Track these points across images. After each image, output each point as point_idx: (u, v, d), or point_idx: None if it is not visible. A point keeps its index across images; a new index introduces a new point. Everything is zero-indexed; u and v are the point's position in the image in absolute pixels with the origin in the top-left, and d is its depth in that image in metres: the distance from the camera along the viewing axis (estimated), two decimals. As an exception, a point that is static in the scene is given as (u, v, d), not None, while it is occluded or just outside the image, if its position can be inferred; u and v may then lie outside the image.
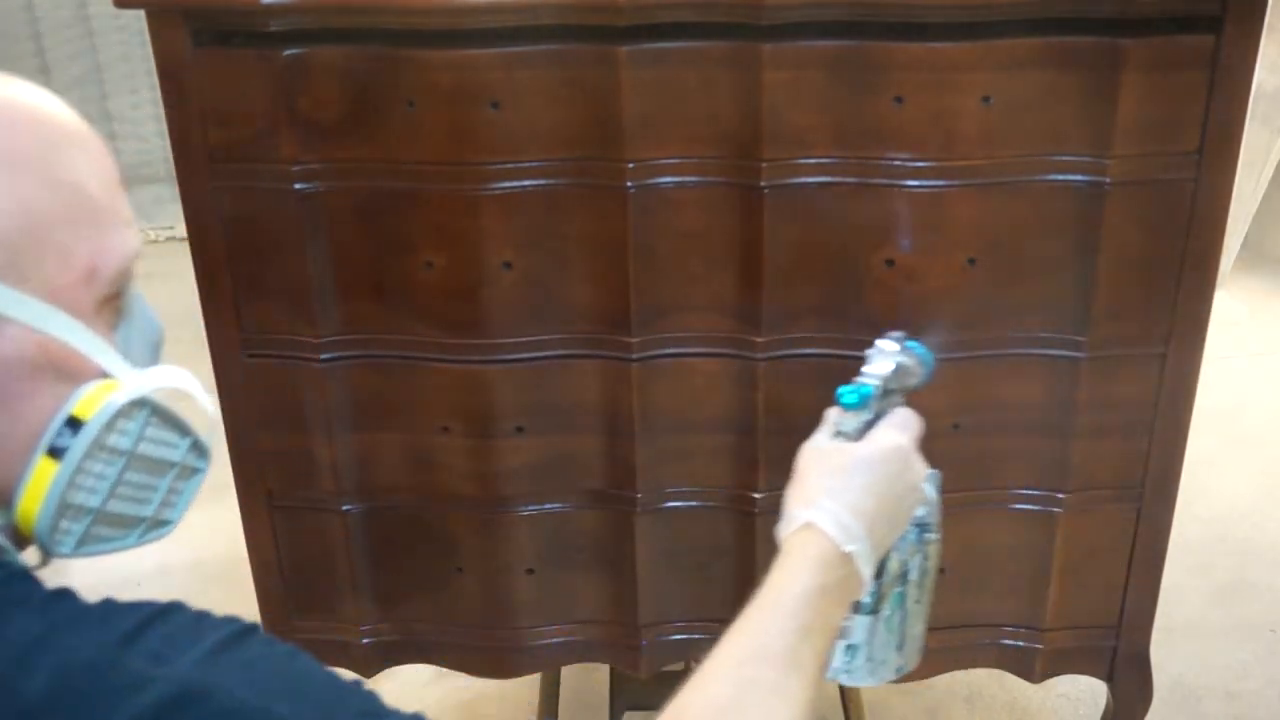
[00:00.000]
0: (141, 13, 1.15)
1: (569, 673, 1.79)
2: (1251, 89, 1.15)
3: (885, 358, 1.06)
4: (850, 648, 1.02)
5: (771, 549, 1.34)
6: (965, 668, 1.46)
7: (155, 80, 1.18)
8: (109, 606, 0.62)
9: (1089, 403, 1.27)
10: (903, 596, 1.05)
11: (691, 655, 1.50)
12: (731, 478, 1.32)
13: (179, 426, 0.73)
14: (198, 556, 2.25)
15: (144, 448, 0.70)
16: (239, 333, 1.27)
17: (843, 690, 1.78)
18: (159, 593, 2.13)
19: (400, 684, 1.92)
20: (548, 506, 1.35)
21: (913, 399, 1.27)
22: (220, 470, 1.37)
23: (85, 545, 0.69)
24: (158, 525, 0.74)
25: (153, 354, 0.76)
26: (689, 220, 1.20)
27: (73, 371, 0.66)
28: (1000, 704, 1.87)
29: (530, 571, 1.38)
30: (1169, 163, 1.17)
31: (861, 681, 1.06)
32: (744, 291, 1.23)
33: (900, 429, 0.98)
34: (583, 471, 1.33)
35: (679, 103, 1.15)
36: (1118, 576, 1.38)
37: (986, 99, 1.13)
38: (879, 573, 0.99)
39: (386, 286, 1.24)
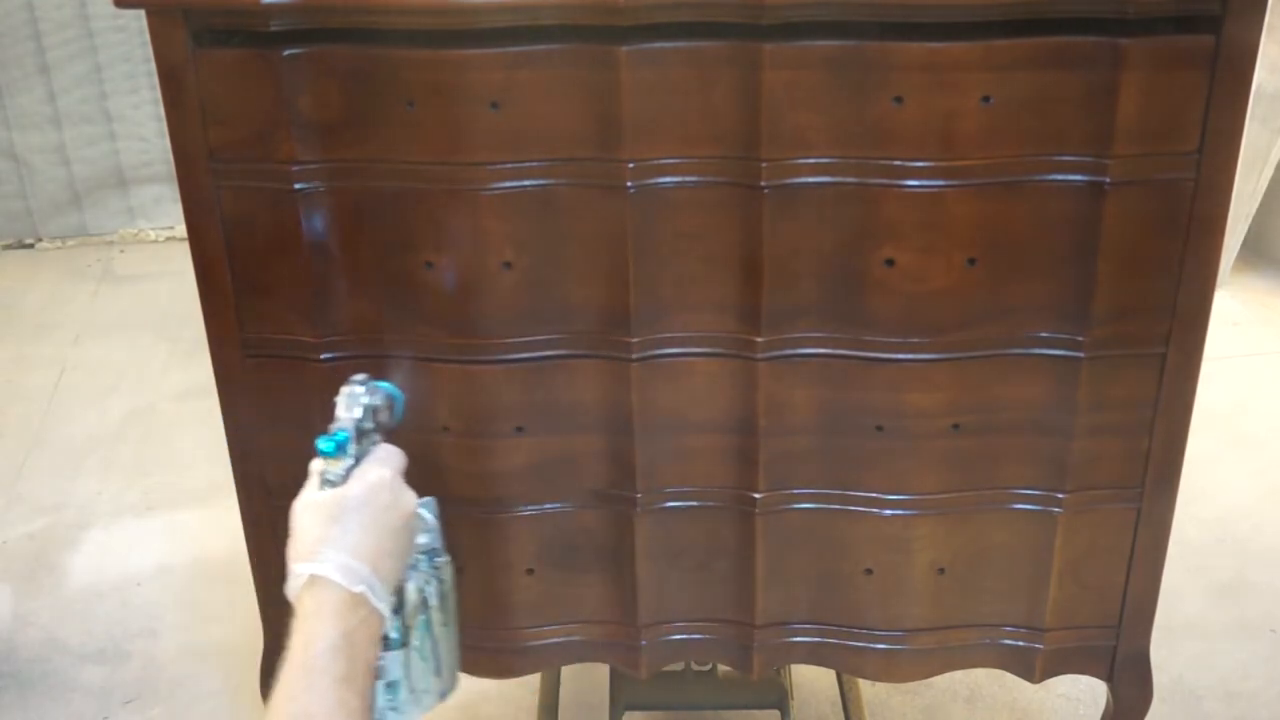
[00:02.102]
0: (141, 13, 1.15)
1: (569, 673, 1.79)
2: (1251, 89, 1.15)
3: (354, 401, 1.11)
4: (390, 685, 1.06)
5: (772, 549, 1.35)
6: (965, 668, 1.46)
7: (155, 80, 1.18)
8: None
9: (1089, 403, 1.27)
10: (428, 623, 1.09)
11: (691, 655, 1.50)
12: (731, 478, 1.32)
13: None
14: (198, 556, 2.25)
15: None
16: (239, 333, 1.27)
17: (842, 690, 1.78)
18: (159, 592, 2.15)
19: (400, 684, 1.92)
20: (548, 506, 1.35)
21: (913, 399, 1.27)
22: (220, 470, 1.38)
23: None
24: None
25: None
26: (689, 220, 1.20)
27: None
28: (1000, 704, 1.87)
29: (530, 571, 1.38)
30: (1169, 163, 1.17)
31: (410, 715, 1.09)
32: (744, 291, 1.23)
33: (382, 464, 1.03)
34: (583, 471, 1.33)
35: (679, 102, 1.15)
36: (1118, 576, 1.38)
37: (986, 99, 1.13)
38: (399, 606, 1.03)
39: (386, 286, 1.24)
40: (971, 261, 1.21)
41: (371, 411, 1.12)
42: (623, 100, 1.14)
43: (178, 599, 2.16)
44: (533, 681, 1.80)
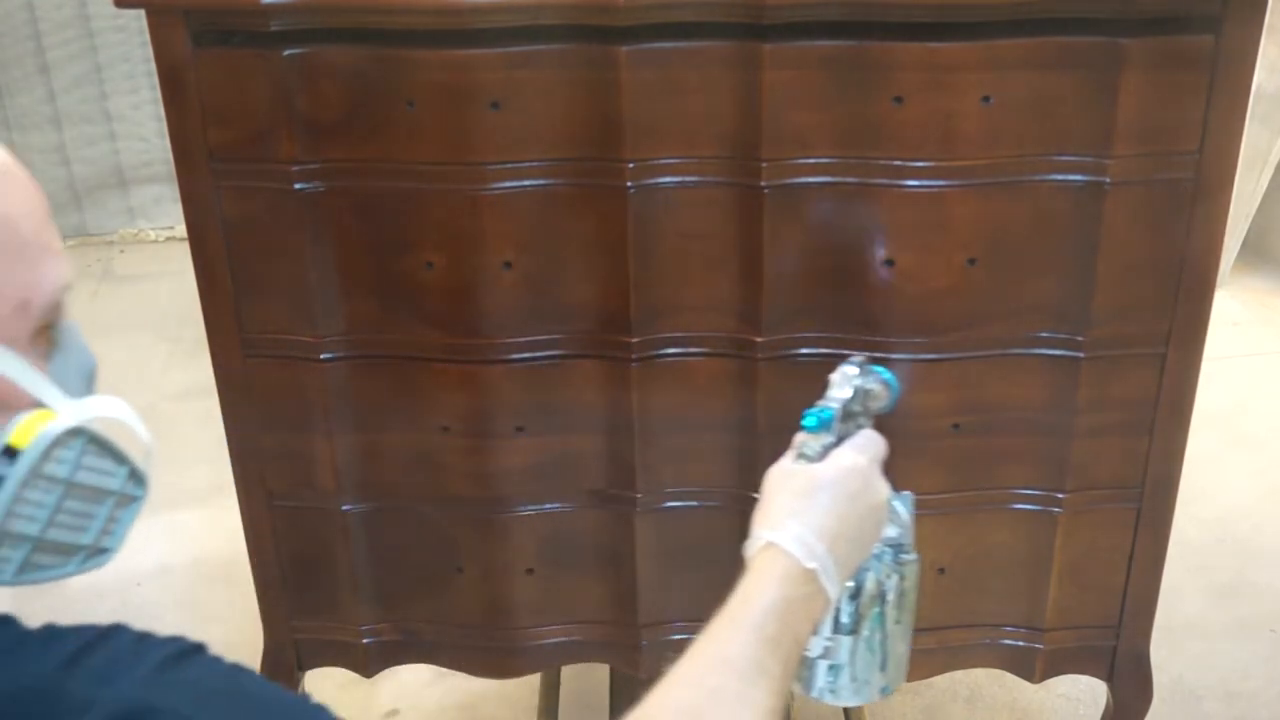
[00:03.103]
0: (141, 13, 1.15)
1: (569, 673, 1.79)
2: (1251, 89, 1.15)
3: (846, 381, 1.08)
4: (834, 667, 1.05)
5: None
6: (965, 668, 1.46)
7: (155, 80, 1.18)
8: (50, 631, 0.62)
9: (1089, 403, 1.27)
10: (882, 616, 1.07)
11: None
12: (731, 478, 1.32)
13: (115, 455, 0.73)
14: (198, 556, 2.25)
15: (81, 476, 0.70)
16: (239, 333, 1.27)
17: (843, 690, 1.77)
18: (159, 592, 2.14)
19: (400, 684, 1.92)
20: (548, 506, 1.35)
21: (913, 399, 1.27)
22: (220, 470, 1.38)
23: (25, 573, 0.69)
24: (97, 553, 0.74)
25: (87, 385, 0.76)
26: (689, 220, 1.20)
27: (6, 402, 0.67)
28: (1000, 704, 1.87)
29: (530, 571, 1.38)
30: (1169, 163, 1.17)
31: (847, 700, 1.09)
32: (744, 291, 1.23)
33: (860, 450, 1.01)
34: (583, 471, 1.33)
35: (679, 103, 1.15)
36: (1118, 576, 1.38)
37: (986, 99, 1.13)
38: (856, 593, 1.02)
39: (387, 286, 1.24)
40: (971, 261, 1.21)
41: (863, 395, 1.08)
42: (623, 100, 1.14)
43: (178, 599, 2.16)
44: (533, 681, 1.80)
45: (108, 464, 0.72)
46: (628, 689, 1.66)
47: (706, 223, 1.20)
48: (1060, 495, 1.32)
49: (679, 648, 1.48)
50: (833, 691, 1.06)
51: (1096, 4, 1.10)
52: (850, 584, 1.01)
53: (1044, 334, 1.25)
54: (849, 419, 1.05)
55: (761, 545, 0.93)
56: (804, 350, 1.26)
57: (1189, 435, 1.30)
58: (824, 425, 1.03)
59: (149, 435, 0.76)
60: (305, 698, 0.65)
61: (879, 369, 1.10)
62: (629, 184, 1.17)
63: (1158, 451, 1.30)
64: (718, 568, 1.38)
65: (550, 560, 1.38)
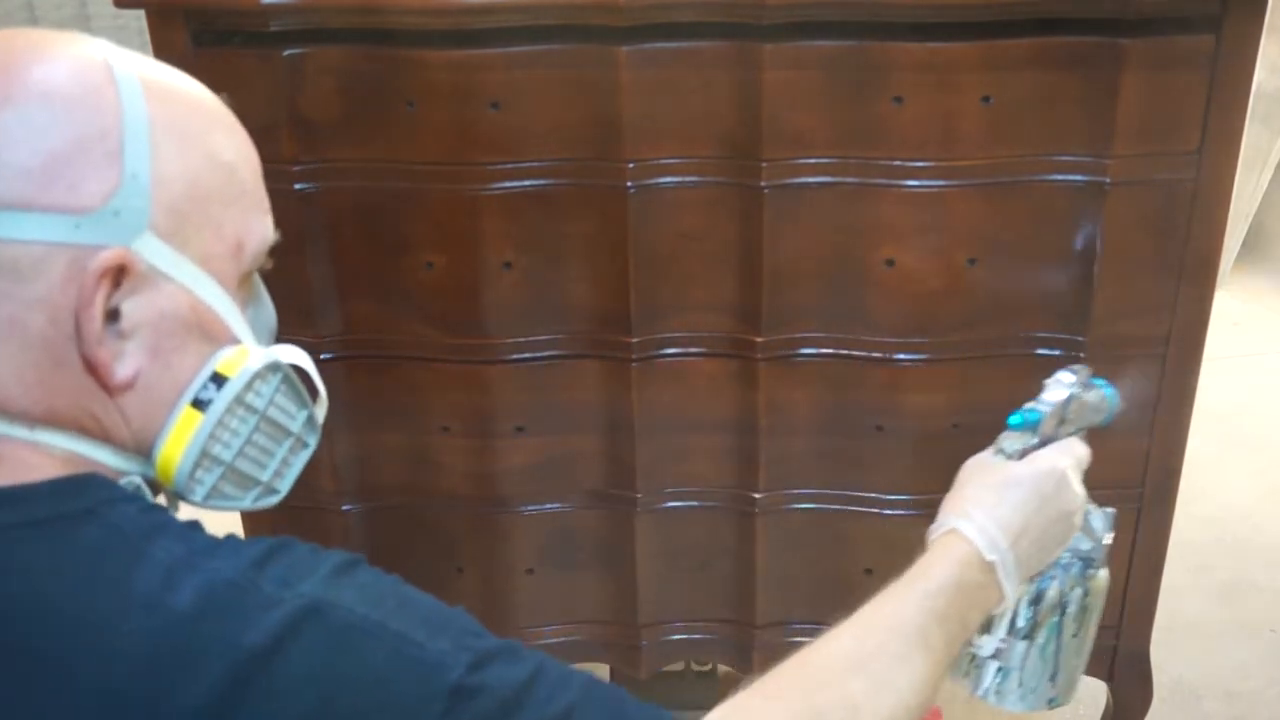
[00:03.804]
0: (141, 13, 1.15)
1: (569, 673, 1.79)
2: (1251, 89, 1.15)
3: (1061, 387, 1.07)
4: (1003, 670, 1.05)
5: (772, 549, 1.35)
6: (965, 668, 1.46)
7: (155, 80, 1.18)
8: (235, 540, 0.67)
9: (1089, 403, 1.27)
10: (1059, 627, 1.06)
11: (691, 655, 1.50)
12: (731, 478, 1.32)
13: (300, 398, 0.78)
14: (198, 556, 2.25)
15: (273, 412, 0.76)
16: (239, 333, 1.27)
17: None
18: (159, 593, 2.10)
19: (400, 684, 1.92)
20: (548, 506, 1.35)
21: (913, 399, 1.27)
22: (220, 470, 1.38)
23: (212, 498, 0.75)
24: (270, 492, 0.81)
25: (269, 337, 0.82)
26: (689, 220, 1.20)
27: (215, 335, 0.72)
28: (1000, 704, 1.87)
29: (530, 571, 1.38)
30: (1169, 163, 1.17)
31: (1012, 705, 1.08)
32: (744, 291, 1.23)
33: (1062, 453, 1.01)
34: (583, 471, 1.33)
35: (679, 103, 1.15)
36: (1118, 576, 1.38)
37: (986, 99, 1.13)
38: (1037, 599, 1.02)
39: (387, 286, 1.24)
40: (971, 261, 1.21)
41: (1077, 404, 1.06)
42: (623, 100, 1.14)
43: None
44: (533, 681, 1.80)
45: (293, 406, 0.78)
46: (628, 689, 1.66)
47: (706, 223, 1.20)
48: (1060, 495, 1.32)
49: (679, 648, 1.49)
50: (999, 693, 1.06)
51: (1096, 4, 1.10)
52: (1032, 589, 1.01)
53: (1044, 334, 1.25)
54: (1061, 425, 1.04)
55: (946, 530, 0.93)
56: (804, 350, 1.26)
57: (1189, 435, 1.30)
58: (1026, 425, 1.02)
59: (324, 388, 0.81)
60: (460, 611, 0.72)
61: (1099, 381, 1.09)
62: (629, 184, 1.17)
63: (1158, 451, 1.30)
64: (718, 568, 1.39)
65: (550, 560, 1.38)
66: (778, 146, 1.16)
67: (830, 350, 1.26)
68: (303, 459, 0.81)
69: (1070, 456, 1.01)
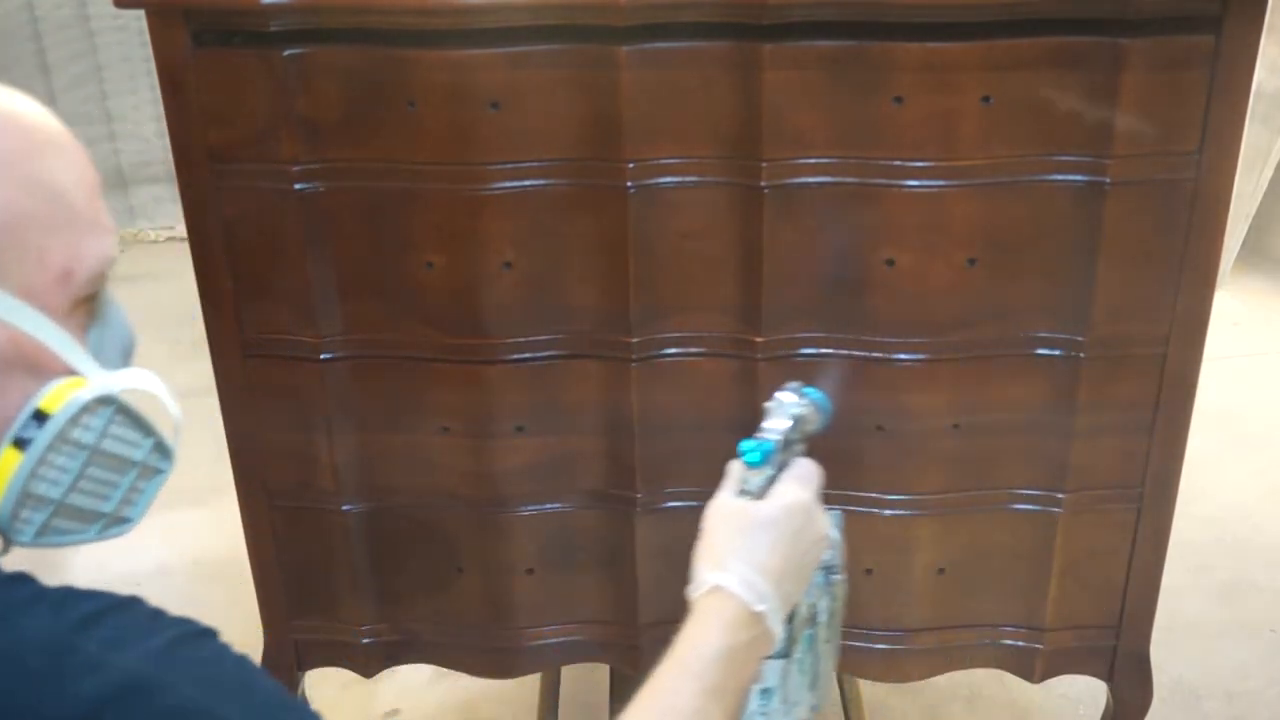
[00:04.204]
0: (141, 13, 1.15)
1: (569, 673, 1.79)
2: (1251, 89, 1.15)
3: (784, 411, 1.08)
4: (765, 691, 1.06)
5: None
6: (965, 668, 1.46)
7: (155, 80, 1.18)
8: (67, 592, 0.63)
9: (1089, 403, 1.27)
10: (813, 638, 1.08)
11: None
12: (731, 478, 1.32)
13: (143, 426, 0.75)
14: (198, 556, 2.25)
15: (107, 444, 0.72)
16: (239, 333, 1.27)
17: (843, 690, 1.78)
18: (159, 592, 2.13)
19: (400, 684, 1.92)
20: (548, 506, 1.35)
21: (913, 399, 1.27)
22: (220, 470, 1.38)
23: (44, 536, 0.71)
24: (118, 521, 0.77)
25: (124, 358, 0.78)
26: (689, 220, 1.20)
27: (42, 368, 0.69)
28: (1000, 704, 1.87)
29: (530, 571, 1.38)
30: (1169, 163, 1.17)
31: None
32: (744, 291, 1.23)
33: (802, 483, 1.01)
34: (583, 471, 1.33)
35: (679, 103, 1.15)
36: (1118, 576, 1.38)
37: (986, 99, 1.13)
38: (789, 618, 1.02)
39: (387, 286, 1.24)
40: (971, 261, 1.21)
41: (800, 422, 1.09)
42: (623, 100, 1.14)
43: (178, 599, 2.15)
44: (533, 681, 1.80)
45: (134, 435, 0.74)
46: (628, 689, 1.66)
47: (706, 223, 1.20)
48: (1060, 495, 1.32)
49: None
50: (764, 715, 1.06)
51: (1096, 4, 1.10)
52: (786, 620, 1.01)
53: (1044, 334, 1.25)
54: (787, 447, 1.06)
55: (708, 589, 0.92)
56: (804, 350, 1.26)
57: (1189, 435, 1.30)
58: (765, 458, 1.02)
59: (178, 410, 0.78)
60: (304, 703, 0.67)
61: (810, 391, 1.11)
62: (629, 184, 1.17)
63: (1158, 451, 1.30)
64: (718, 568, 1.39)
65: (550, 560, 1.38)
66: (778, 146, 1.16)
67: (830, 350, 1.26)
68: (158, 484, 0.78)
69: (811, 483, 1.01)
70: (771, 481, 1.02)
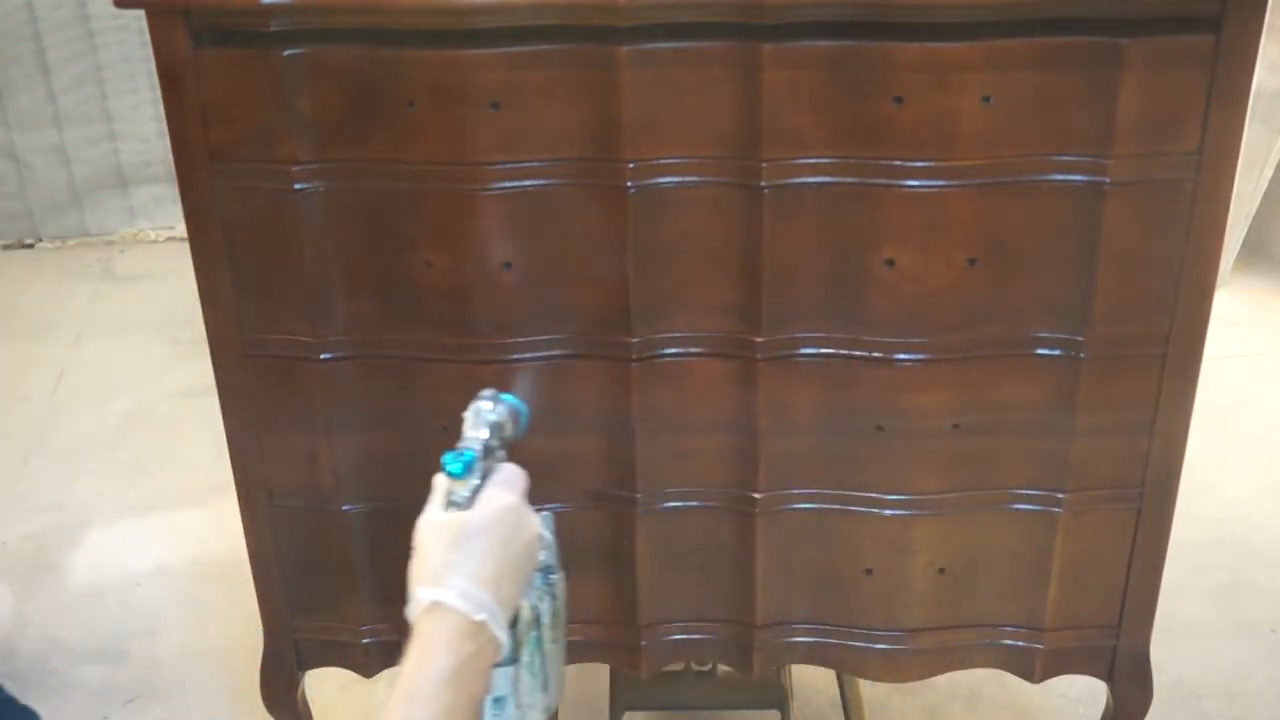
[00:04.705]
0: (141, 13, 1.15)
1: (569, 673, 1.79)
2: (1251, 89, 1.15)
3: (482, 419, 1.10)
4: (497, 700, 1.06)
5: (772, 549, 1.35)
6: (965, 668, 1.46)
7: (155, 80, 1.18)
8: None
9: (1089, 403, 1.27)
10: (539, 640, 1.08)
11: (691, 655, 1.50)
12: (731, 478, 1.32)
13: None
14: (198, 556, 2.25)
15: None
16: (239, 333, 1.27)
17: (842, 690, 1.78)
18: (159, 592, 2.14)
19: (400, 684, 1.92)
20: (547, 507, 1.35)
21: (913, 399, 1.27)
22: (220, 470, 1.38)
23: None
24: None
25: None
26: (689, 220, 1.20)
27: None
28: (1000, 704, 1.88)
29: (530, 571, 1.38)
30: (1169, 163, 1.17)
31: None
32: (744, 291, 1.23)
33: (508, 487, 1.02)
34: (583, 472, 1.33)
35: (679, 103, 1.15)
36: (1118, 576, 1.38)
37: (986, 99, 1.13)
38: (513, 623, 1.03)
39: (387, 286, 1.24)
40: (971, 261, 1.21)
41: (498, 428, 1.11)
42: (623, 100, 1.14)
43: (178, 599, 2.16)
44: (533, 681, 1.80)
45: None
46: (628, 689, 1.66)
47: (706, 223, 1.20)
48: (1060, 495, 1.32)
49: (679, 648, 1.49)
50: None
51: (1096, 4, 1.10)
52: (509, 625, 1.01)
53: (1044, 334, 1.25)
54: (488, 454, 1.07)
55: (425, 606, 0.92)
56: (804, 350, 1.26)
57: (1189, 435, 1.30)
58: (469, 469, 1.03)
59: None
60: None
61: (506, 397, 1.14)
62: (629, 184, 1.17)
63: (1158, 451, 1.30)
64: (718, 568, 1.39)
65: (550, 560, 1.38)
66: (778, 146, 1.16)
67: (830, 350, 1.26)
68: None
69: (517, 486, 1.02)
70: (478, 490, 1.02)
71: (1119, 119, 1.14)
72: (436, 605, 0.92)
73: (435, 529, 0.99)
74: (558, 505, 1.35)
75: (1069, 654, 1.43)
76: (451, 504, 1.02)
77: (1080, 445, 1.29)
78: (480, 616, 0.91)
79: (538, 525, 1.03)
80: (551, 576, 1.10)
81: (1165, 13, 1.11)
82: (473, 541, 0.96)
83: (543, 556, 1.08)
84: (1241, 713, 1.87)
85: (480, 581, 0.92)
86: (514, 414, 1.15)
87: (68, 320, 3.18)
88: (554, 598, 1.10)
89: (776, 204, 1.18)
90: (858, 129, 1.15)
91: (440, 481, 1.04)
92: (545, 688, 1.10)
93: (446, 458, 1.04)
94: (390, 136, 1.17)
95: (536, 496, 1.34)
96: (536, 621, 1.07)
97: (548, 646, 1.09)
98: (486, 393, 1.14)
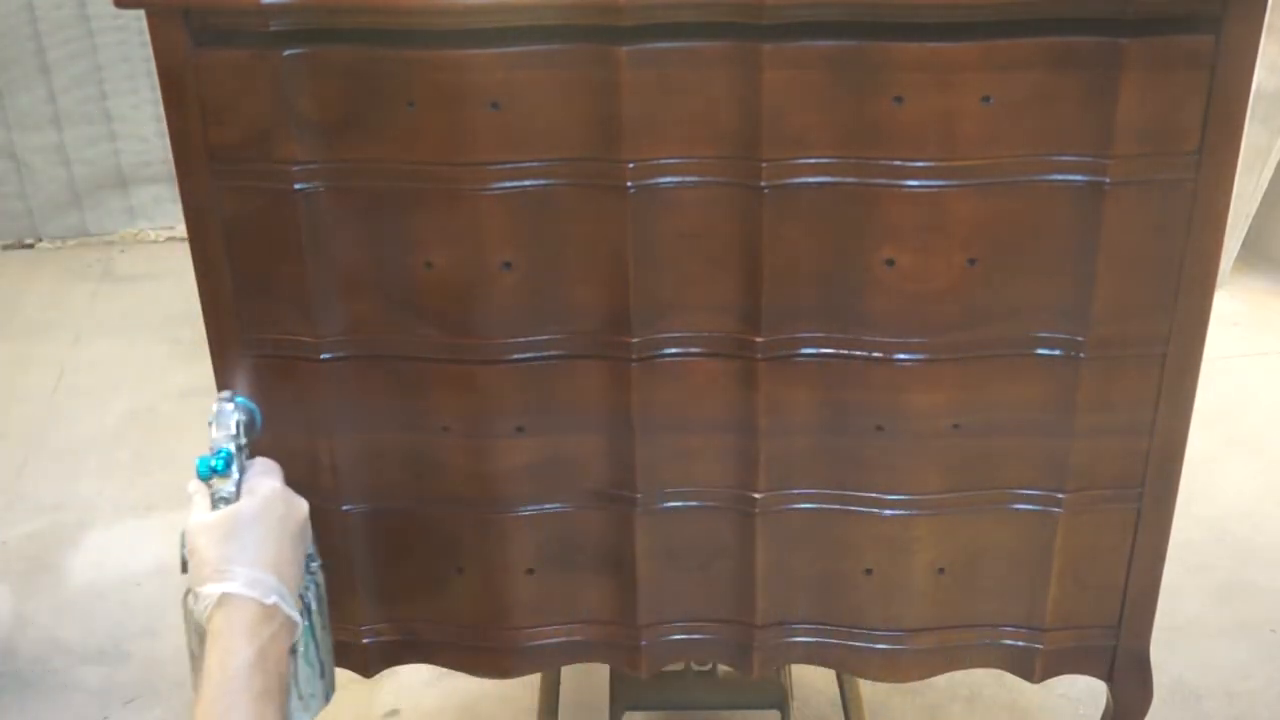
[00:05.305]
0: (141, 13, 1.15)
1: (569, 673, 1.79)
2: (1251, 89, 1.15)
3: (227, 419, 1.16)
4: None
5: (772, 549, 1.35)
6: (965, 668, 1.46)
7: (155, 80, 1.18)
8: None
9: (1089, 403, 1.27)
10: (311, 628, 1.12)
11: (691, 655, 1.50)
12: (731, 478, 1.32)
13: None
14: (198, 556, 2.25)
15: None
16: (239, 333, 1.27)
17: (842, 690, 1.78)
18: (159, 592, 2.14)
19: (400, 684, 1.92)
20: (548, 506, 1.35)
21: (913, 399, 1.27)
22: (220, 470, 1.38)
23: None
24: None
25: None
26: (689, 220, 1.20)
27: None
28: (1000, 704, 1.88)
29: (530, 571, 1.38)
30: (1169, 163, 1.17)
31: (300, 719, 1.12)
32: (744, 291, 1.23)
33: (268, 474, 1.06)
34: (583, 471, 1.33)
35: (679, 103, 1.15)
36: (1118, 576, 1.38)
37: (986, 99, 1.13)
38: None
39: (386, 286, 1.24)
40: (971, 261, 1.21)
41: (243, 427, 1.17)
42: (623, 100, 1.14)
43: (178, 599, 2.16)
44: (533, 681, 1.80)
45: None
46: (628, 689, 1.66)
47: (707, 223, 1.20)
48: (1060, 495, 1.32)
49: (679, 648, 1.49)
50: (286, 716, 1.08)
51: (1096, 4, 1.10)
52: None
53: (1044, 334, 1.25)
54: (239, 452, 1.12)
55: (215, 601, 0.93)
56: (804, 350, 1.26)
57: (1189, 435, 1.30)
58: (228, 465, 1.08)
59: None
60: None
61: (240, 399, 1.20)
62: (629, 184, 1.17)
63: (1158, 451, 1.30)
64: (718, 568, 1.39)
65: (550, 560, 1.38)
66: (778, 146, 1.16)
67: (830, 350, 1.26)
68: None
69: (276, 473, 1.06)
70: (239, 485, 1.07)
71: (1119, 119, 1.14)
72: (226, 598, 0.93)
73: (206, 529, 1.00)
74: (558, 505, 1.35)
75: (1069, 654, 1.43)
76: (220, 501, 1.05)
77: (1080, 445, 1.29)
78: (271, 600, 0.93)
79: (305, 508, 1.06)
80: (313, 564, 1.13)
81: (1165, 13, 1.11)
82: (248, 530, 0.98)
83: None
84: (1241, 713, 1.87)
85: (263, 566, 0.95)
86: (250, 414, 1.21)
87: (68, 320, 3.18)
88: (318, 585, 1.14)
89: (777, 204, 1.18)
90: (858, 129, 1.15)
91: (197, 488, 1.07)
92: (322, 674, 1.13)
93: (202, 460, 1.08)
94: (390, 136, 1.17)
95: (537, 496, 1.35)
96: (307, 610, 1.10)
97: (319, 634, 1.12)
98: (225, 394, 1.20)
